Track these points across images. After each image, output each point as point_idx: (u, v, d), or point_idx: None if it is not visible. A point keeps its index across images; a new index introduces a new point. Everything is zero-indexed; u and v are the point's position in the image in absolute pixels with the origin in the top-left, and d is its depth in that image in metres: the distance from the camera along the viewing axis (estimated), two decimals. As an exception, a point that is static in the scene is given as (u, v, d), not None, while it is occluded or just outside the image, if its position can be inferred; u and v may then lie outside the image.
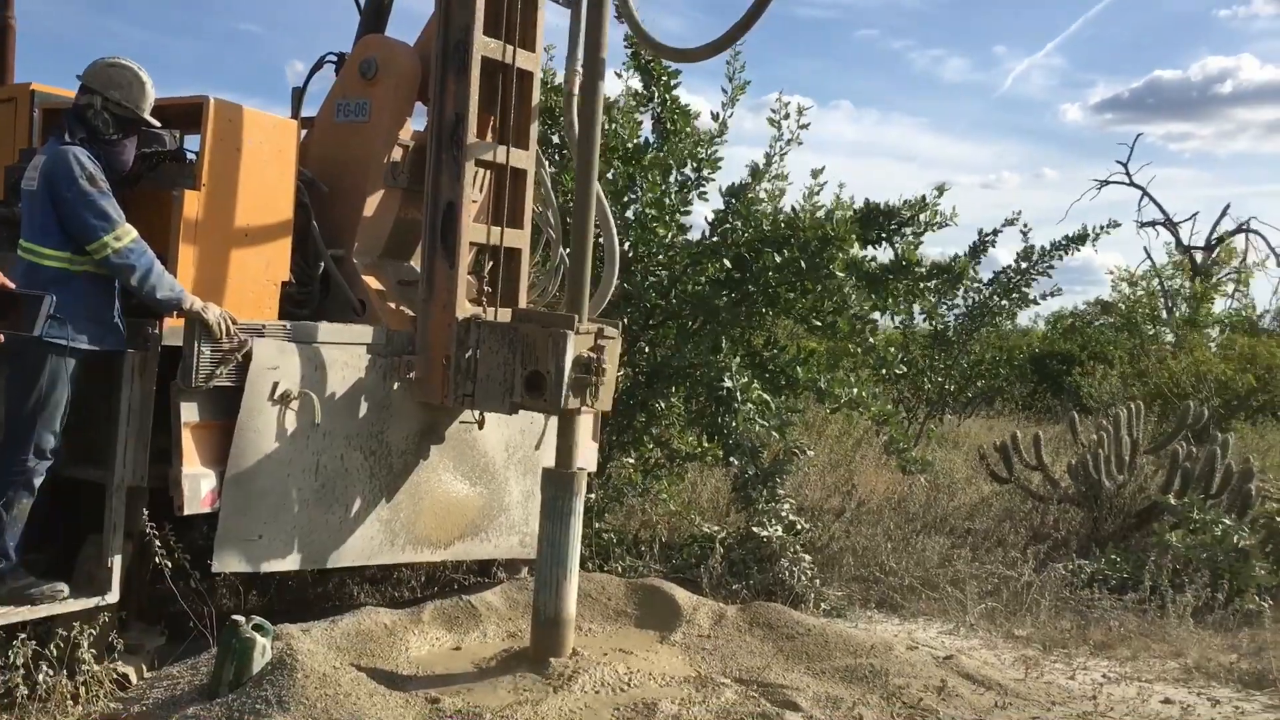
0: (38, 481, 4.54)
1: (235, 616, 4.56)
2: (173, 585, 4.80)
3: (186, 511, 4.67)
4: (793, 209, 8.41)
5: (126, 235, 4.53)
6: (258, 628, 4.52)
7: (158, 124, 4.85)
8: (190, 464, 4.70)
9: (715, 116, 8.33)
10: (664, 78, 8.20)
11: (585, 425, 6.11)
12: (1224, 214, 31.93)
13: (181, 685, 4.57)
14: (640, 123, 8.33)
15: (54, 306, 4.18)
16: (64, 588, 4.56)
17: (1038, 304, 11.50)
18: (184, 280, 4.84)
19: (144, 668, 4.81)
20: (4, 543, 4.49)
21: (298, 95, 6.29)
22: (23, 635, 4.33)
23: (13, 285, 4.23)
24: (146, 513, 4.66)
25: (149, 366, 4.67)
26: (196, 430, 4.75)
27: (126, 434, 4.62)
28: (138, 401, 4.64)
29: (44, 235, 4.51)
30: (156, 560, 4.67)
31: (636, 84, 8.39)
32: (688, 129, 8.23)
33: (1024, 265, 11.11)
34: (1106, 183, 32.19)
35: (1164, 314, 23.42)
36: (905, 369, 10.29)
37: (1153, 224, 31.72)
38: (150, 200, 4.90)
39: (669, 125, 8.24)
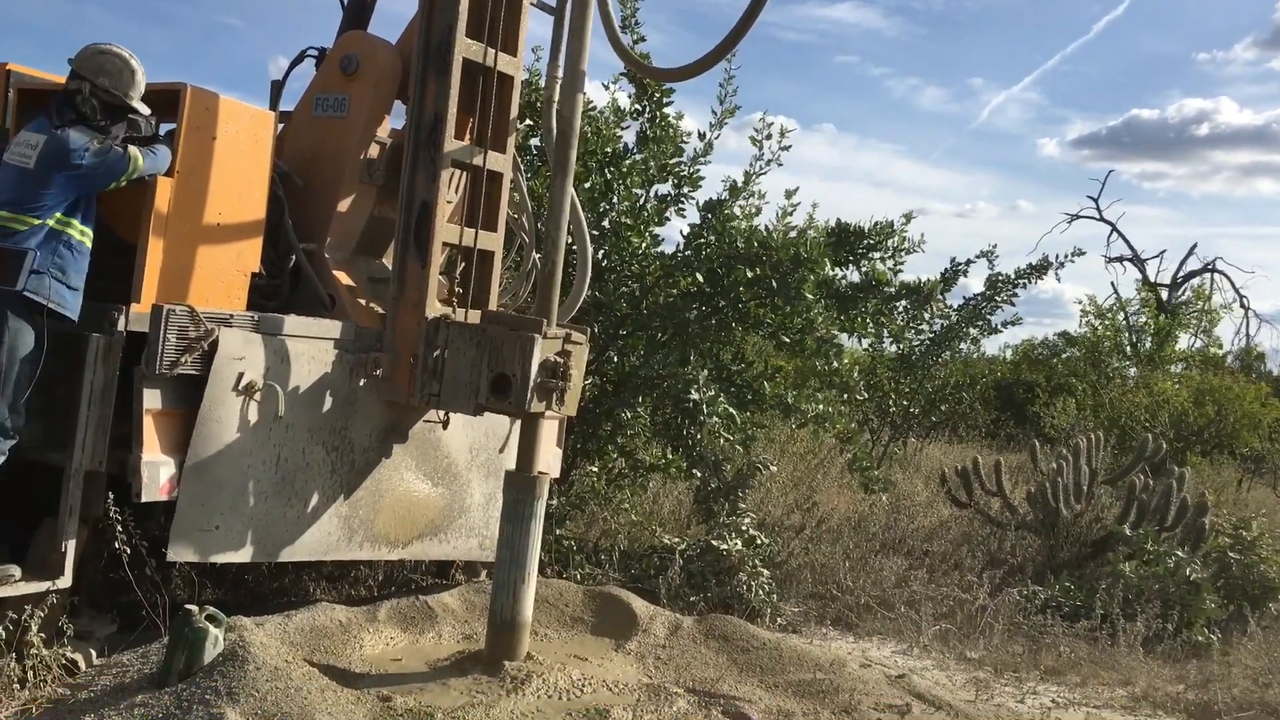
0: (1, 460, 4.50)
1: (189, 606, 4.53)
2: (129, 573, 4.76)
3: (144, 498, 4.64)
4: (766, 228, 8.47)
5: (135, 157, 4.68)
6: (211, 618, 4.49)
7: (146, 111, 4.84)
8: (150, 451, 4.67)
9: (701, 136, 8.38)
10: (657, 94, 8.23)
11: (550, 430, 6.13)
12: (1191, 253, 32.36)
13: (131, 673, 4.53)
14: (620, 135, 8.36)
15: (36, 262, 4.38)
16: (16, 571, 4.52)
17: (999, 331, 11.59)
18: (152, 268, 4.83)
19: (93, 655, 4.77)
20: None
21: (276, 88, 6.28)
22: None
23: None
24: (111, 497, 4.62)
25: (113, 351, 4.64)
26: (158, 417, 4.72)
27: (88, 418, 4.58)
28: (100, 386, 4.61)
29: (29, 206, 4.49)
30: (115, 546, 4.64)
31: (624, 97, 8.43)
32: (673, 143, 8.26)
33: (989, 292, 11.19)
34: (1077, 217, 32.56)
35: (1128, 349, 23.69)
36: (868, 393, 10.36)
37: (1120, 260, 32.11)
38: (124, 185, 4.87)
39: (652, 135, 8.26)
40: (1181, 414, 16.50)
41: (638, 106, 8.33)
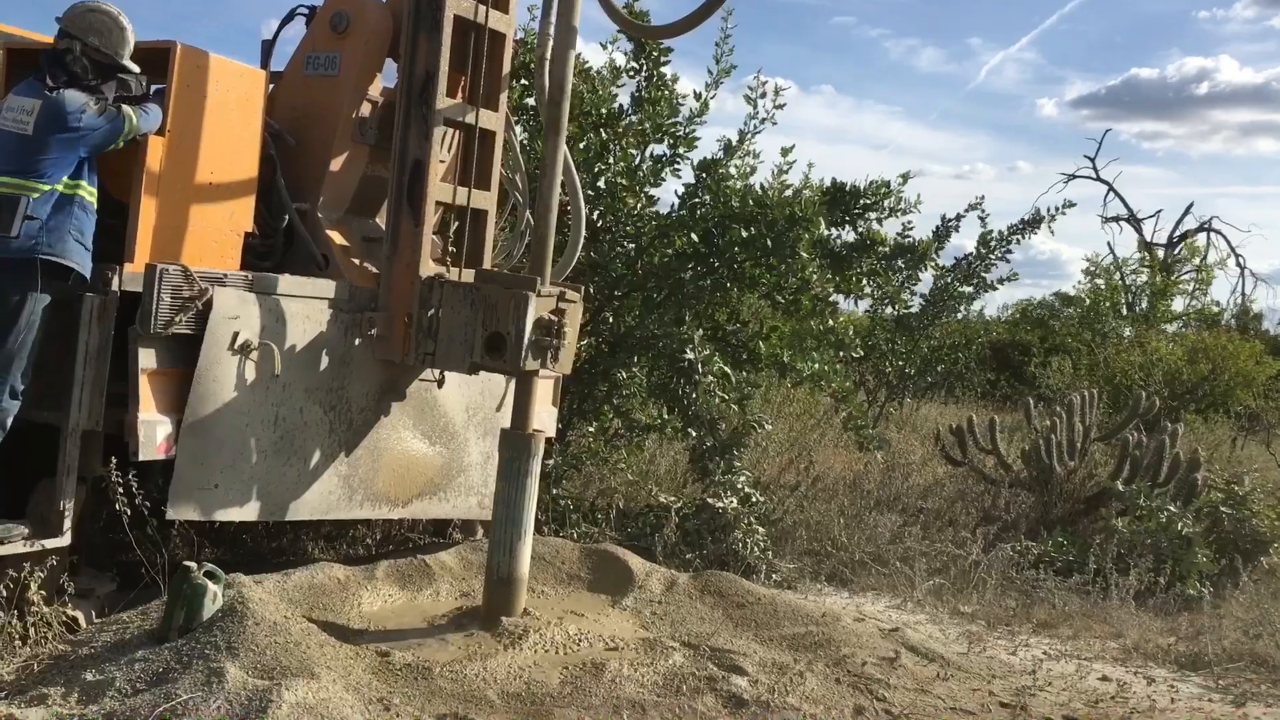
0: (8, 422, 4.53)
1: (187, 563, 4.57)
2: (130, 532, 4.80)
3: (141, 457, 4.66)
4: (761, 187, 8.46)
5: (130, 116, 4.67)
6: (210, 574, 4.53)
7: (136, 69, 4.82)
8: (146, 410, 4.69)
9: (698, 96, 8.34)
10: (654, 52, 8.18)
11: (545, 390, 6.16)
12: (1187, 212, 32.41)
13: (131, 630, 4.57)
14: (615, 95, 8.32)
15: (30, 208, 4.38)
16: (25, 529, 4.55)
17: (994, 288, 11.63)
18: (145, 227, 4.84)
19: (94, 612, 4.81)
20: None
21: (267, 47, 6.24)
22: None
23: None
24: (115, 460, 4.65)
25: (108, 311, 4.65)
26: (153, 376, 4.73)
27: (84, 378, 4.59)
28: (95, 346, 4.61)
29: (35, 172, 4.49)
30: (115, 505, 4.66)
31: (621, 57, 8.38)
32: (670, 100, 8.23)
33: (982, 250, 11.21)
34: (1074, 177, 32.51)
35: (1124, 309, 23.72)
36: (864, 352, 10.39)
37: (1116, 219, 32.10)
38: (115, 145, 4.86)
39: (647, 95, 8.22)
40: (1175, 372, 16.53)
41: (635, 65, 8.29)
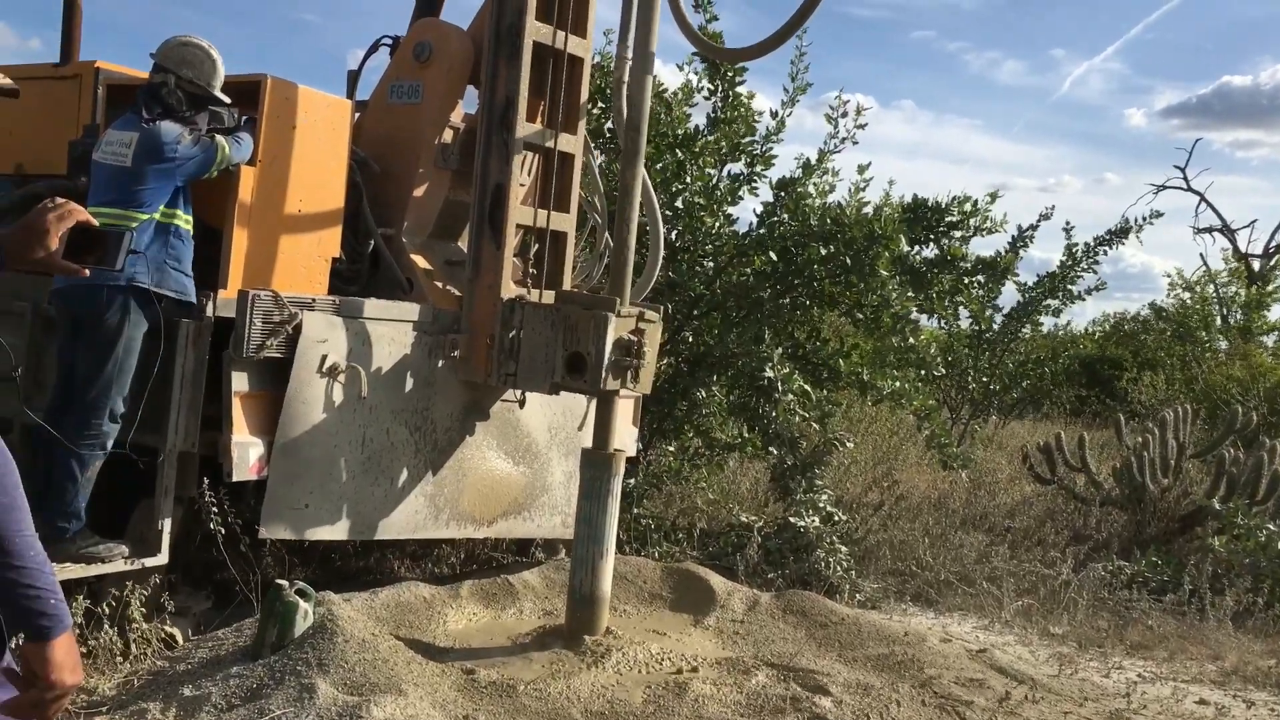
0: (109, 445, 4.70)
1: (280, 581, 4.68)
2: (224, 551, 4.93)
3: (235, 478, 4.80)
4: (840, 205, 8.42)
5: (223, 146, 4.83)
6: (301, 592, 4.63)
7: (228, 101, 4.98)
8: (239, 432, 4.83)
9: (774, 114, 8.36)
10: (729, 72, 8.23)
11: (625, 409, 6.19)
12: (1284, 221, 31.29)
13: (226, 646, 4.69)
14: (690, 115, 8.36)
15: (134, 243, 4.45)
16: (125, 548, 4.72)
17: (1083, 299, 11.41)
18: (237, 254, 4.99)
19: (190, 629, 4.94)
20: (77, 504, 4.63)
21: (353, 77, 6.43)
22: (79, 595, 4.48)
23: (95, 221, 4.45)
24: (207, 480, 4.79)
25: (202, 336, 4.81)
26: (246, 399, 4.88)
27: (179, 401, 4.75)
28: (191, 370, 4.77)
29: (134, 203, 4.65)
30: (210, 525, 4.80)
31: (695, 77, 8.42)
32: (747, 119, 8.25)
33: (1067, 262, 11.02)
34: (1163, 188, 31.68)
35: (1218, 321, 23.03)
36: (945, 370, 10.26)
37: (1209, 230, 31.19)
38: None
39: (723, 115, 8.26)
40: (1278, 386, 16.00)
41: (710, 86, 8.33)
